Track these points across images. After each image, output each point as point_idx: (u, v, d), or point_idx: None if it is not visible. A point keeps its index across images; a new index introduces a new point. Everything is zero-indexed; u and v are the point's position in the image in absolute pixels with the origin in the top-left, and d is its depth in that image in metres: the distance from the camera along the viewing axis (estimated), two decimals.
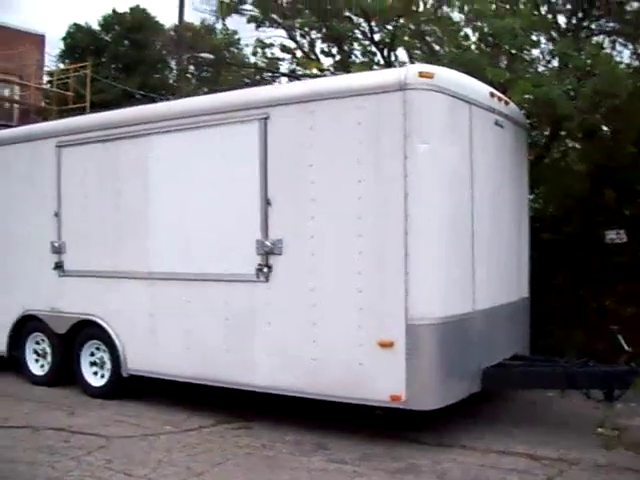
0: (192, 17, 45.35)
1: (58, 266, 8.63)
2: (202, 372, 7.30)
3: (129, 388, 8.09)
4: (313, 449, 6.24)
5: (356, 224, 6.36)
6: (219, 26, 15.87)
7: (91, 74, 26.50)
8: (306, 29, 10.47)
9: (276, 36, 11.65)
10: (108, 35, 35.72)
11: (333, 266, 6.53)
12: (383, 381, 6.20)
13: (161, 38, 32.11)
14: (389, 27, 9.78)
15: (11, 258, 9.21)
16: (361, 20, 9.77)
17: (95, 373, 8.34)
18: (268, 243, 6.83)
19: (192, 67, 24.90)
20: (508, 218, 7.68)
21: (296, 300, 6.73)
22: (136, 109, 8.33)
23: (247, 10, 10.90)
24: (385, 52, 9.97)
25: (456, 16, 8.91)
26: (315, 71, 10.42)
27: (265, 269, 6.86)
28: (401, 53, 10.01)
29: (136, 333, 7.89)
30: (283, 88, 7.03)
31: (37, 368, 8.99)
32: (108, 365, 8.17)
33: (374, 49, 10.13)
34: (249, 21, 11.12)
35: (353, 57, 10.54)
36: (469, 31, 8.94)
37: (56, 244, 8.63)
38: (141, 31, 33.75)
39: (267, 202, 6.83)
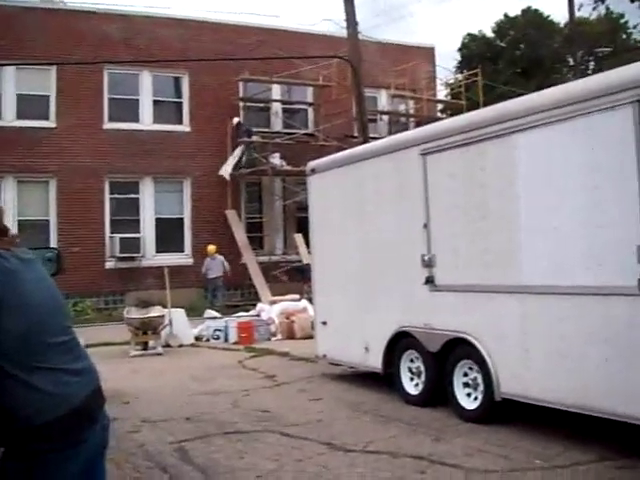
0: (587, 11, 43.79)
1: (429, 280, 8.62)
2: (578, 400, 6.63)
3: (501, 412, 7.74)
4: None
5: None
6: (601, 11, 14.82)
7: (487, 81, 26.81)
8: None
9: None
10: (502, 41, 36.06)
11: None
12: None
13: (556, 37, 31.44)
14: None
15: (384, 272, 9.49)
16: None
17: (468, 395, 8.12)
18: None
19: (592, 63, 23.85)
20: None
21: None
22: (496, 107, 8.00)
23: None
24: None
25: None
26: None
27: None
28: None
29: (508, 353, 7.49)
30: None
31: (411, 387, 9.07)
32: (481, 387, 7.89)
33: None
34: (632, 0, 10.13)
35: None
36: None
37: (426, 257, 8.64)
38: (535, 32, 33.43)
39: None
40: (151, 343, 14.70)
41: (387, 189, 9.39)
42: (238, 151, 24.28)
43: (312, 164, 11.29)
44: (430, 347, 8.64)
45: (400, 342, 9.18)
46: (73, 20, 23.05)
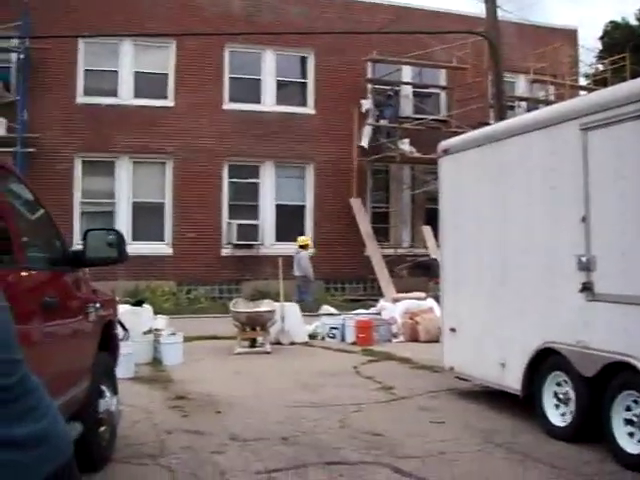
0: None
1: (586, 288, 7.00)
2: None
3: None
4: None
5: None
6: None
7: (632, 67, 24.85)
8: None
9: None
10: None
11: None
12: None
13: None
14: None
15: (528, 274, 7.91)
16: None
17: (631, 434, 6.46)
18: None
19: None
20: None
21: None
22: None
23: None
24: None
25: None
26: None
27: None
28: None
29: None
30: None
31: (556, 417, 7.46)
32: None
33: None
34: None
35: None
36: None
37: (584, 259, 7.00)
38: None
39: None
40: (259, 340, 13.55)
41: (535, 172, 7.78)
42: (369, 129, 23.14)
43: (444, 144, 9.77)
44: (583, 370, 7.02)
45: (545, 361, 7.59)
46: None
